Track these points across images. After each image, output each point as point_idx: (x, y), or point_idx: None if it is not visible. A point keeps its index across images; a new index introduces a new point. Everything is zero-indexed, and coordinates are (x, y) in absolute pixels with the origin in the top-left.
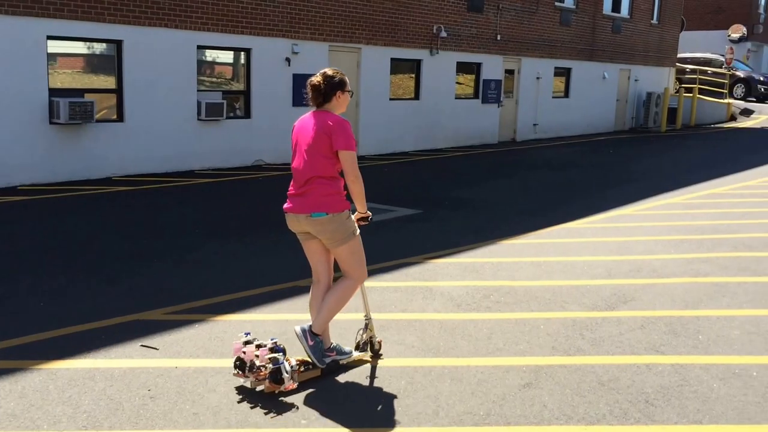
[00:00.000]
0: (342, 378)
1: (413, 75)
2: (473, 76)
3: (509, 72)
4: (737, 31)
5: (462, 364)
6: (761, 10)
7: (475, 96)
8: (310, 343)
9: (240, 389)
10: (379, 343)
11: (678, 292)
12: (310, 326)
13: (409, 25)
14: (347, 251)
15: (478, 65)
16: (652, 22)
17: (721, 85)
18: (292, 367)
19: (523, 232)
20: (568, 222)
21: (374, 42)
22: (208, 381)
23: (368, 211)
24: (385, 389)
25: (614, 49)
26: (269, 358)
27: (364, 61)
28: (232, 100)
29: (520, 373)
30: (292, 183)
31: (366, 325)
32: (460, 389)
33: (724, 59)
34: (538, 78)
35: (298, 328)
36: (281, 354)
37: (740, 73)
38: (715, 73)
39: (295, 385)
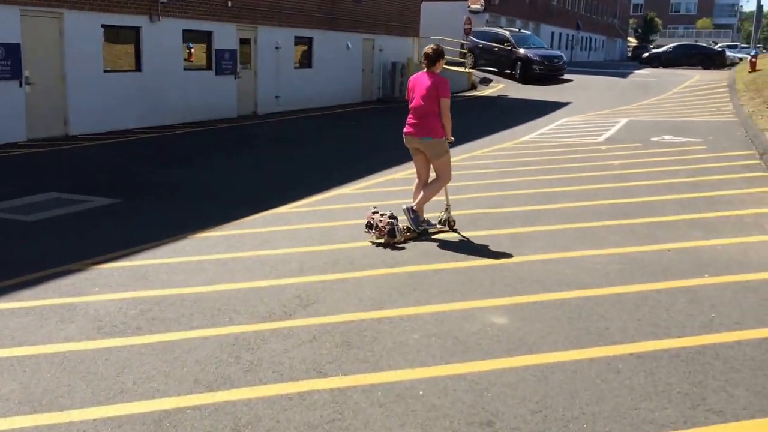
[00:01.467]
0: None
1: (133, 44)
2: (204, 46)
3: (245, 41)
4: (476, 2)
5: (60, 421)
6: None
7: (209, 67)
8: (411, 216)
9: (371, 243)
10: (454, 221)
11: (369, 288)
12: (412, 206)
13: None
14: (441, 162)
15: (209, 34)
16: None
17: (508, 63)
18: (400, 230)
19: (224, 222)
20: (279, 206)
21: (80, 6)
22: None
23: (452, 137)
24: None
25: (356, 18)
26: (388, 222)
27: (68, 29)
28: None
29: (137, 425)
30: (410, 116)
31: (446, 208)
32: None
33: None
34: (277, 48)
35: (404, 206)
36: (395, 220)
37: (521, 52)
38: (501, 50)
39: (402, 239)
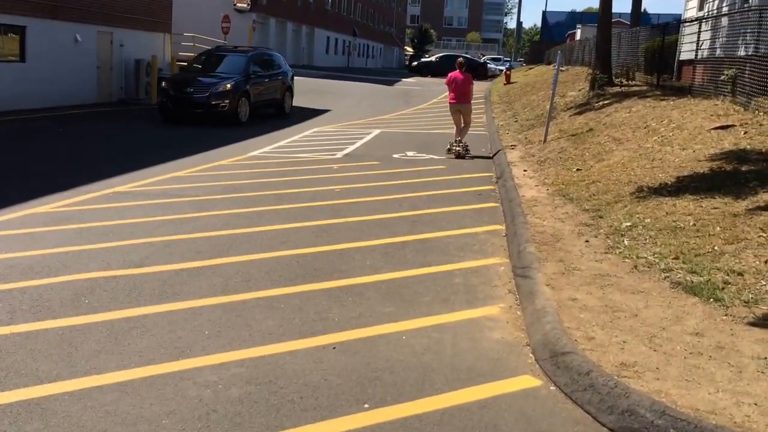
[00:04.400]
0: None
1: None
2: None
3: None
4: (242, 1)
5: None
6: None
7: None
8: (460, 147)
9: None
10: (465, 148)
11: None
12: (460, 141)
13: None
14: (469, 116)
15: None
16: None
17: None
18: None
19: None
20: None
21: None
22: None
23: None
24: None
25: (87, 8)
26: (460, 147)
27: None
28: None
29: None
30: (452, 94)
31: (458, 142)
32: None
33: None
34: None
35: (455, 143)
36: (464, 147)
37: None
38: None
39: (465, 157)
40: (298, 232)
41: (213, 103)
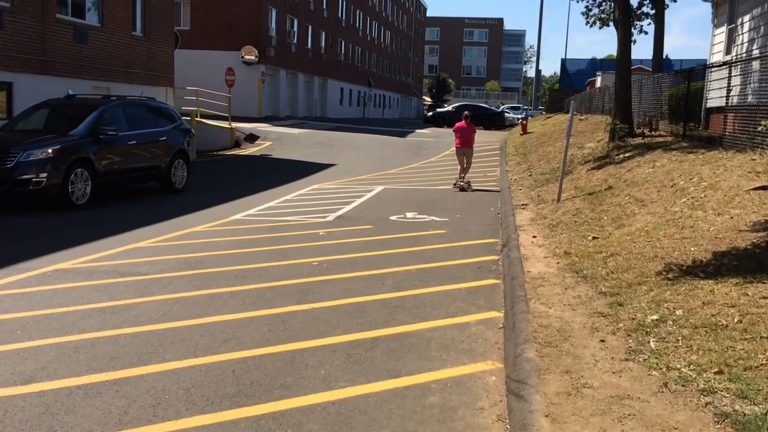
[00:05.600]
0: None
1: None
2: None
3: None
4: (250, 53)
5: None
6: (273, 33)
7: None
8: (467, 182)
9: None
10: (468, 184)
11: None
12: (464, 178)
13: None
14: (471, 157)
15: None
16: (134, 33)
17: None
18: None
19: None
20: None
21: None
22: None
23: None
24: None
25: (81, 62)
26: (463, 182)
27: None
28: None
29: None
30: (458, 139)
31: (462, 178)
32: None
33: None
34: None
35: (460, 181)
36: (467, 183)
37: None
38: None
39: (468, 189)
40: (249, 324)
41: (20, 177)
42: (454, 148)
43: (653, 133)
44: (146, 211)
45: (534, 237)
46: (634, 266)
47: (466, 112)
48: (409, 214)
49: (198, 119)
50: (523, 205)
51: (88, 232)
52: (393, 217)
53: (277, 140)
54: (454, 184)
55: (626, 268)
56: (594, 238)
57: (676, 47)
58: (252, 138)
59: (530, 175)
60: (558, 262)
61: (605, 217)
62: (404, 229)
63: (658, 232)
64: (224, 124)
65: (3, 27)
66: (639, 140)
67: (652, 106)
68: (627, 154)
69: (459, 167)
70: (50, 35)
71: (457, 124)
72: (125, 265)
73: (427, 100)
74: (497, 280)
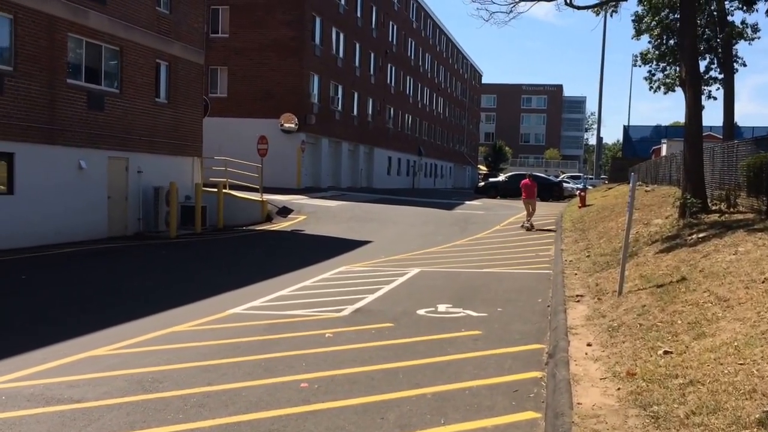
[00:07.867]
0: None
1: None
2: None
3: None
4: (289, 120)
5: None
6: (315, 100)
7: None
8: (528, 224)
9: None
10: (532, 225)
11: None
12: (529, 222)
13: None
14: (534, 205)
15: None
16: (157, 100)
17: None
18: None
19: None
20: None
21: None
22: None
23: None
24: None
25: (96, 131)
26: (528, 224)
27: None
28: None
29: None
30: (524, 194)
31: (529, 221)
32: None
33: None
34: None
35: (526, 224)
36: (531, 224)
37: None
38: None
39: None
40: None
41: None
42: (506, 223)
43: (731, 209)
44: (133, 300)
45: (589, 345)
46: (724, 405)
47: (529, 174)
48: (441, 307)
49: (226, 191)
50: (577, 296)
51: (21, 340)
52: (421, 311)
53: (312, 214)
54: (522, 225)
55: (714, 407)
56: (666, 352)
57: (746, 114)
58: (285, 211)
59: (588, 256)
60: (619, 389)
61: (679, 321)
62: (430, 328)
63: (752, 348)
64: (255, 196)
65: (3, 92)
66: (715, 217)
67: (726, 178)
68: (701, 235)
69: (525, 212)
70: (59, 102)
71: (523, 182)
72: (57, 385)
73: (483, 168)
74: (537, 414)
